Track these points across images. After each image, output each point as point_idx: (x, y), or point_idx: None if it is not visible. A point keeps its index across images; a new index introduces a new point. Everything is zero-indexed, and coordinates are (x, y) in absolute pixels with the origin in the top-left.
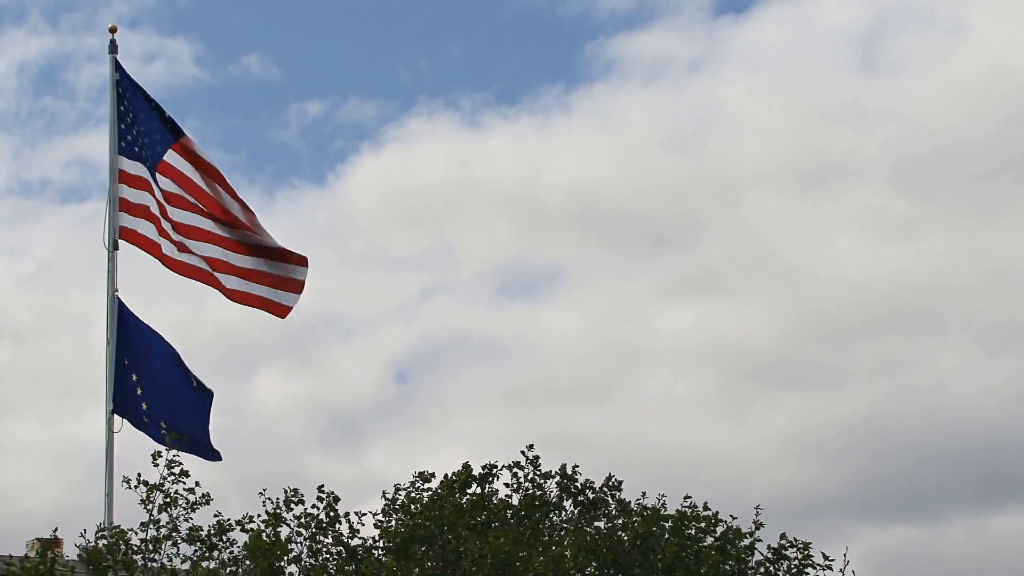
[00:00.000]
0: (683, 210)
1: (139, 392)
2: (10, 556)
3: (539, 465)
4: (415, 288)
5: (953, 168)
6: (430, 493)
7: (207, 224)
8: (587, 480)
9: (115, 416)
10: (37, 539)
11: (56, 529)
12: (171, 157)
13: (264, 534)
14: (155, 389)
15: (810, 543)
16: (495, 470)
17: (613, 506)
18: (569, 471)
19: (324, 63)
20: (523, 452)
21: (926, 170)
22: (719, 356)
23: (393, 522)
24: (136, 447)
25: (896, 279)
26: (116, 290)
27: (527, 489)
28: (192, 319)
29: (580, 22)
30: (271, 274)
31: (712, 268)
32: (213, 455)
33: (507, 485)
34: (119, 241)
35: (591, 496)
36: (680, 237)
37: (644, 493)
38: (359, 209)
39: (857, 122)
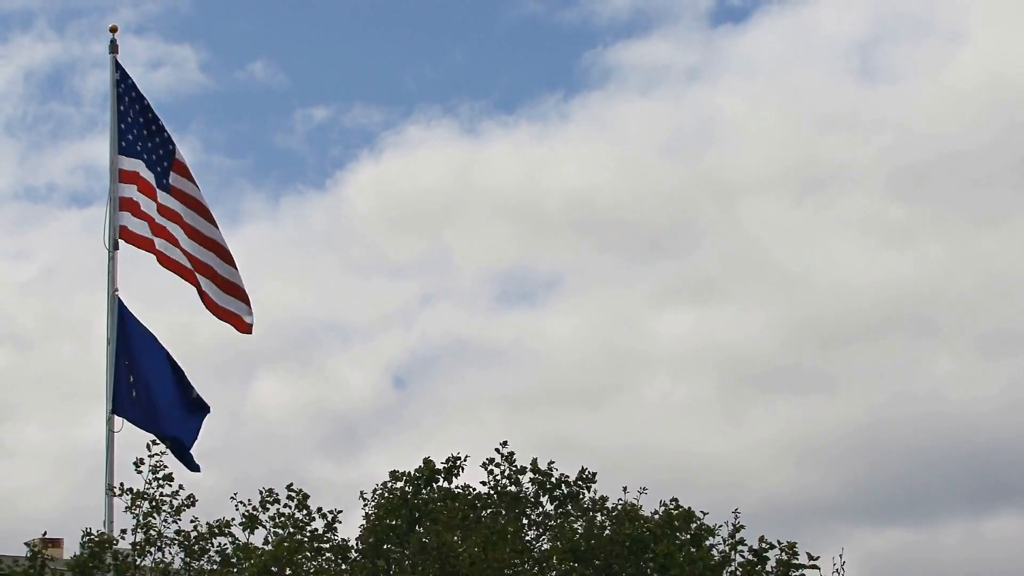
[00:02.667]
0: (681, 217)
1: (134, 395)
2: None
3: (514, 461)
4: (414, 294)
5: (950, 175)
6: (399, 491)
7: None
8: (562, 475)
9: (115, 416)
10: (38, 538)
11: (45, 532)
12: (172, 178)
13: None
14: (146, 391)
15: (795, 543)
16: (459, 462)
17: (587, 500)
18: (543, 467)
19: (329, 69)
20: (497, 449)
21: (923, 177)
22: (716, 361)
23: (366, 521)
24: (137, 448)
25: (892, 285)
26: (116, 289)
27: (504, 486)
28: (192, 323)
29: (578, 31)
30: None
31: (709, 274)
32: (194, 466)
33: (483, 483)
34: (119, 240)
35: (566, 491)
36: (678, 243)
37: (625, 488)
38: (359, 215)
39: (854, 130)
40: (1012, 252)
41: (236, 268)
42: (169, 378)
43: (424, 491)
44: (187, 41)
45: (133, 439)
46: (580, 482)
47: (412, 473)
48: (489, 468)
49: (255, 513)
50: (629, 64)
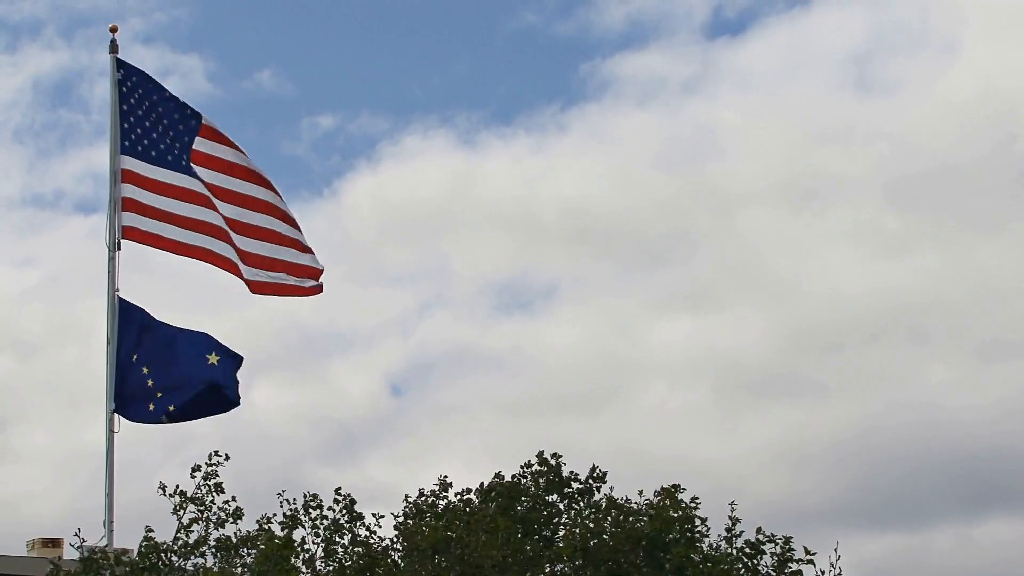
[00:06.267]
0: (677, 227)
1: (150, 384)
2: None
3: (556, 469)
4: (412, 302)
5: (945, 186)
6: (459, 499)
7: (241, 214)
8: (572, 472)
9: (116, 416)
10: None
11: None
12: (200, 144)
13: (276, 538)
14: (165, 375)
15: (791, 537)
16: (523, 480)
17: (603, 499)
18: (552, 463)
19: (336, 78)
20: (545, 457)
21: (918, 188)
22: (712, 368)
23: (411, 526)
24: (139, 449)
25: (887, 294)
26: (117, 290)
27: (529, 488)
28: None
29: (576, 42)
30: (291, 262)
31: (706, 283)
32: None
33: (519, 485)
34: (121, 241)
35: (575, 487)
36: (674, 253)
37: (640, 492)
38: (357, 224)
39: (850, 141)
40: (1006, 262)
41: (298, 229)
42: (190, 355)
43: (487, 504)
44: (194, 50)
45: (135, 440)
46: (591, 480)
47: (484, 485)
48: (534, 476)
49: (296, 514)
50: (626, 76)
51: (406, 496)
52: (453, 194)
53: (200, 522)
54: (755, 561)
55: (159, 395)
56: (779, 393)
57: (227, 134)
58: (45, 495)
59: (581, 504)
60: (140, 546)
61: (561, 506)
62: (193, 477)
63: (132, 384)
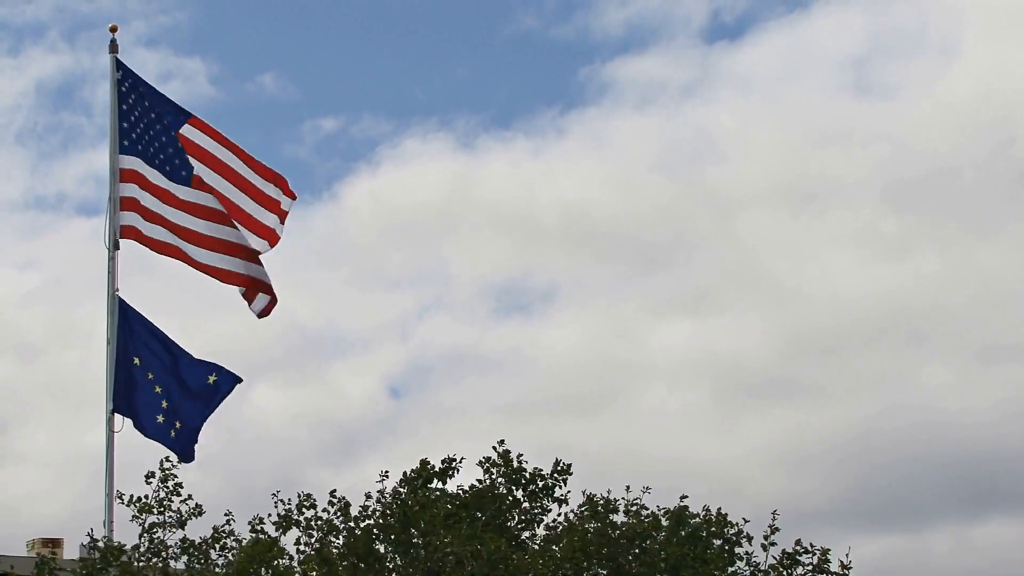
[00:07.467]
0: (677, 230)
1: (158, 390)
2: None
3: (511, 460)
4: (412, 305)
5: (944, 188)
6: (391, 491)
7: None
8: (536, 468)
9: (115, 416)
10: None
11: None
12: (187, 131)
13: (261, 538)
14: (172, 384)
15: (829, 549)
16: (454, 463)
17: (600, 499)
18: (515, 462)
19: (338, 81)
20: (494, 447)
21: (917, 190)
22: (712, 371)
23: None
24: (140, 449)
25: (886, 297)
26: (117, 289)
27: (498, 484)
28: (192, 330)
29: (575, 46)
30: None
31: (705, 286)
32: (189, 455)
33: (480, 481)
34: (120, 240)
35: (540, 484)
36: (674, 256)
37: (646, 488)
38: (357, 227)
39: (849, 144)
40: (1005, 264)
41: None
42: (190, 370)
43: (418, 492)
44: (197, 53)
45: (136, 440)
46: (556, 475)
47: (408, 473)
48: (487, 468)
49: (290, 514)
50: (625, 80)
51: (384, 477)
52: (453, 197)
53: (159, 527)
54: (790, 571)
55: (164, 404)
56: (778, 395)
57: (228, 137)
58: (46, 496)
59: (547, 500)
60: (88, 551)
61: (526, 504)
62: (149, 483)
63: (139, 390)
